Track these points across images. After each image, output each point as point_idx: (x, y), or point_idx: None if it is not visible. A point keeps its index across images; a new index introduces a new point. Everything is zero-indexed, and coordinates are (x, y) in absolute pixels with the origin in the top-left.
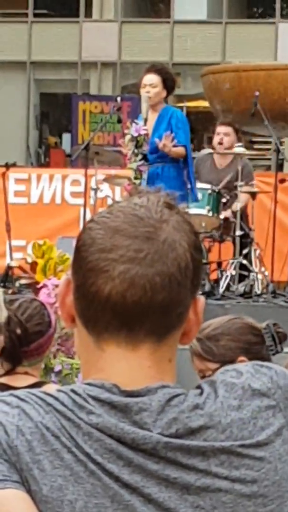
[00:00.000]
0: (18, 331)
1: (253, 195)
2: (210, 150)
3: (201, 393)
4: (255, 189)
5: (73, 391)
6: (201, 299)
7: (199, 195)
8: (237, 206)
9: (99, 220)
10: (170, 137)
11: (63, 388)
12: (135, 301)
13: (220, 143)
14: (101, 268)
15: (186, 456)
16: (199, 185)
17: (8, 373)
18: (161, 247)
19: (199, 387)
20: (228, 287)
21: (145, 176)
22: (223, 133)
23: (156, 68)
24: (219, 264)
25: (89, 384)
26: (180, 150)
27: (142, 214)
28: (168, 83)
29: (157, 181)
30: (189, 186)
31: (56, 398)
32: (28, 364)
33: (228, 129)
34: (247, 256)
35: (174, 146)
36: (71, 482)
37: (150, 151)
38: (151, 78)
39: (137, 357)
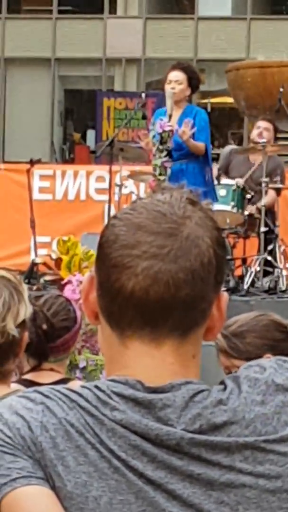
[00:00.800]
0: (45, 326)
1: (278, 191)
2: (235, 146)
3: (224, 389)
4: (280, 185)
5: (97, 387)
6: (225, 295)
7: (223, 191)
8: (262, 202)
9: (122, 216)
10: (189, 123)
11: (87, 384)
12: (159, 297)
13: (260, 135)
14: (124, 264)
15: (210, 452)
16: (224, 181)
17: (34, 369)
18: (184, 243)
19: (222, 382)
20: (253, 283)
21: (169, 172)
22: (263, 127)
23: (182, 65)
24: (244, 260)
25: (113, 380)
26: (200, 145)
27: (165, 210)
28: (193, 82)
29: (181, 178)
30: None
31: (80, 395)
32: (54, 360)
33: (269, 125)
34: (271, 252)
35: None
36: (96, 479)
37: (175, 148)
38: (177, 75)
39: (161, 353)
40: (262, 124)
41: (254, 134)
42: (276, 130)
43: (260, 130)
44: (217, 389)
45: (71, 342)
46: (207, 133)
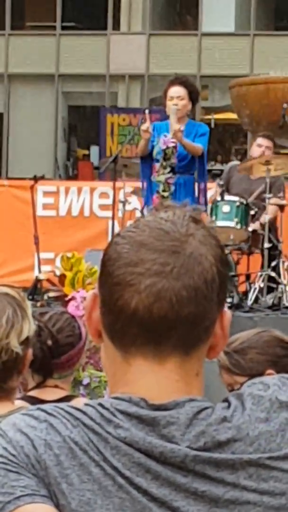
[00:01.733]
0: (49, 342)
1: (281, 207)
2: (238, 162)
3: (228, 406)
4: (283, 202)
5: (100, 405)
6: (228, 313)
7: (227, 208)
8: (265, 218)
9: (125, 234)
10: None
11: (91, 402)
12: (162, 314)
13: (262, 155)
14: (128, 282)
15: (214, 469)
16: (227, 197)
17: (38, 386)
18: (187, 261)
19: (226, 400)
20: (256, 300)
21: (172, 188)
22: (265, 146)
23: (181, 80)
24: (248, 277)
25: (116, 398)
26: (197, 146)
27: (168, 228)
28: (193, 95)
29: (178, 190)
30: (201, 200)
31: (84, 412)
32: (58, 376)
33: (270, 143)
34: (275, 269)
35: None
36: (100, 496)
37: (178, 160)
38: (178, 91)
39: (165, 370)
40: (264, 142)
41: (254, 151)
42: (275, 145)
43: (262, 149)
44: (221, 406)
45: (75, 359)
46: (205, 142)
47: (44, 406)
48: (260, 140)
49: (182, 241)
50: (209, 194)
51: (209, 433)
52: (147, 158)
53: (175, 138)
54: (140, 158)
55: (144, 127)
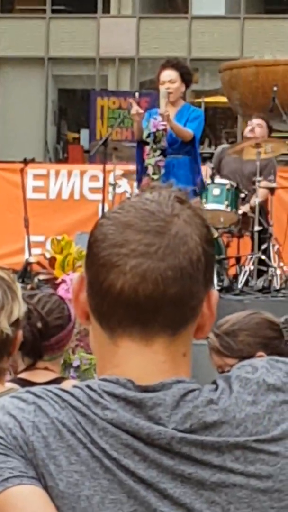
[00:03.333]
0: (39, 324)
1: (272, 190)
2: (228, 145)
3: (216, 389)
4: (273, 184)
5: (88, 386)
6: (215, 293)
7: (217, 191)
8: (255, 201)
9: (110, 215)
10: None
11: (79, 384)
12: (148, 295)
13: (252, 131)
14: (113, 263)
15: (201, 452)
16: (217, 180)
17: (28, 368)
18: (172, 241)
19: (214, 382)
20: (246, 282)
21: (163, 171)
22: (256, 123)
23: (172, 63)
24: (238, 260)
25: (104, 379)
26: (186, 130)
27: (153, 208)
28: (186, 77)
29: (172, 171)
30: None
31: (72, 394)
32: (48, 358)
33: (262, 122)
34: (265, 251)
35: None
36: (87, 478)
37: (168, 144)
38: (170, 74)
39: (151, 351)
40: (255, 121)
41: (247, 130)
42: (270, 129)
43: (252, 125)
44: (208, 388)
45: (65, 341)
46: (199, 128)
47: (32, 389)
48: (251, 121)
49: (167, 221)
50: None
51: (196, 415)
52: (141, 142)
53: (164, 121)
54: (136, 142)
55: (133, 111)
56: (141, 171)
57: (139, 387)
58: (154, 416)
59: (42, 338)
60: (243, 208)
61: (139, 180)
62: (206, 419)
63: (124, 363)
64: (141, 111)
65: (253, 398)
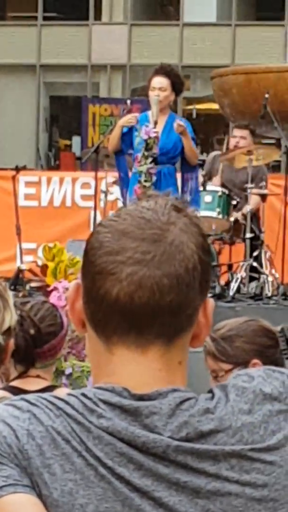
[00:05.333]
0: (32, 331)
1: (263, 197)
2: (219, 152)
3: (212, 397)
4: (265, 191)
5: (83, 395)
6: (211, 301)
7: (209, 198)
8: (247, 208)
9: (106, 223)
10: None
11: (74, 392)
12: (143, 303)
13: (236, 146)
14: (109, 271)
15: (196, 460)
16: (209, 187)
17: (20, 376)
18: (168, 249)
19: (210, 391)
20: (238, 290)
21: (154, 179)
22: (239, 136)
23: (165, 70)
24: (230, 267)
25: (99, 388)
26: (196, 151)
27: (149, 216)
28: (177, 86)
29: (161, 182)
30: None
31: (67, 402)
32: (41, 366)
33: (244, 132)
34: (257, 258)
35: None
36: (82, 486)
37: (160, 153)
38: (161, 81)
39: (147, 360)
40: (237, 133)
41: (232, 144)
42: (253, 133)
43: (237, 139)
44: (204, 397)
45: (58, 348)
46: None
47: (27, 396)
48: (234, 131)
49: (163, 229)
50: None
51: (192, 424)
52: (119, 153)
53: (179, 132)
54: (114, 154)
55: (128, 117)
56: (125, 180)
57: (134, 396)
58: (149, 425)
59: (35, 345)
60: (235, 215)
61: (122, 189)
62: (202, 428)
63: (120, 371)
64: (136, 115)
65: (249, 407)
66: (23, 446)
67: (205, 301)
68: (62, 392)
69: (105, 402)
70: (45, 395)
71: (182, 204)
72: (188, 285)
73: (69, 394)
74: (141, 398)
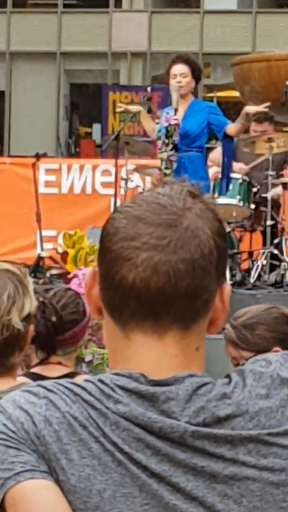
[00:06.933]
0: (54, 318)
1: (284, 185)
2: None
3: (229, 382)
4: (286, 179)
5: (100, 381)
6: (227, 286)
7: (230, 185)
8: (268, 195)
9: (122, 209)
10: None
11: (91, 378)
12: (159, 288)
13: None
14: (125, 257)
15: (213, 445)
16: (230, 174)
17: (41, 362)
18: (184, 234)
19: (228, 376)
20: (259, 277)
21: (175, 166)
22: (260, 131)
23: (183, 58)
24: (250, 254)
25: (116, 374)
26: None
27: (165, 202)
28: (196, 73)
29: (183, 170)
30: (219, 176)
31: (84, 388)
32: (62, 353)
33: (264, 125)
34: (278, 246)
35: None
36: (99, 472)
37: (181, 138)
38: (181, 68)
39: (164, 345)
40: (257, 127)
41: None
42: (271, 120)
43: (258, 134)
44: (221, 382)
45: (79, 336)
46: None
47: (44, 383)
48: (254, 126)
49: (179, 214)
50: (212, 171)
51: (209, 409)
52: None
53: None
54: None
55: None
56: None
57: (151, 381)
58: (166, 410)
59: (56, 332)
60: (274, 190)
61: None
62: (219, 413)
63: (136, 357)
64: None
65: (266, 391)
66: (40, 432)
67: (222, 286)
68: (81, 379)
69: (122, 387)
70: (62, 381)
71: (197, 190)
72: (204, 270)
73: (86, 380)
74: (158, 383)
